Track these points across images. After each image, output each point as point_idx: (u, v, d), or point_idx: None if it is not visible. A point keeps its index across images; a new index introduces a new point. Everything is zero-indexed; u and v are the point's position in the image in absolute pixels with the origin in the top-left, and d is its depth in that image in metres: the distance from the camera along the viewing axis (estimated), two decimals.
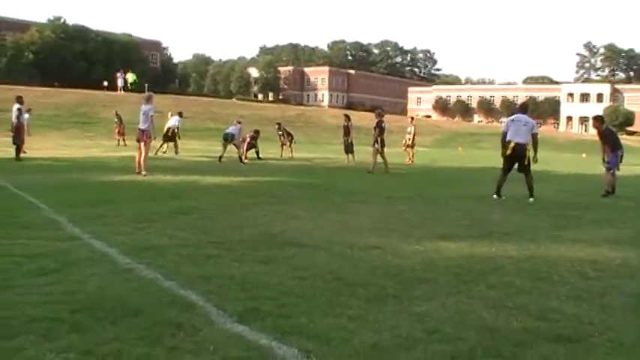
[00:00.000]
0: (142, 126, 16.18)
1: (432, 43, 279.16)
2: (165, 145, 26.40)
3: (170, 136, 26.44)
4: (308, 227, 8.47)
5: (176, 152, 25.97)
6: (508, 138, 12.48)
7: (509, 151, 12.45)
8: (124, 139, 32.31)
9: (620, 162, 14.91)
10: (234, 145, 23.74)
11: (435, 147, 57.26)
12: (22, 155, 20.12)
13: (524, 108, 13.52)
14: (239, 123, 24.89)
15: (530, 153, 12.50)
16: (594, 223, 9.95)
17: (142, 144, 16.03)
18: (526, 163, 12.42)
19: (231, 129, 24.24)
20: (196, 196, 11.47)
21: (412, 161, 26.83)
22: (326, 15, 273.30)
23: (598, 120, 15.27)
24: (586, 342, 4.18)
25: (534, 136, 12.62)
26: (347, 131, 24.55)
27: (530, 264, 6.57)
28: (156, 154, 23.88)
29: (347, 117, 25.30)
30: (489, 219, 9.96)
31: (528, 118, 12.76)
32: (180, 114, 27.92)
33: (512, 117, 12.89)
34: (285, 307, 4.68)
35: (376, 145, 19.53)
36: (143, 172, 15.53)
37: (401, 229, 8.60)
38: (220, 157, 22.65)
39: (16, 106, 20.71)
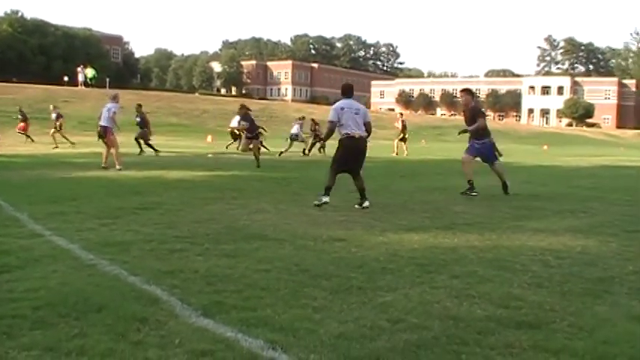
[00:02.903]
0: (102, 122, 16.13)
1: (395, 37, 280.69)
2: (234, 143, 27.53)
3: (237, 135, 27.07)
4: (272, 221, 8.47)
5: (238, 148, 26.25)
6: (345, 131, 10.11)
7: (350, 146, 10.17)
8: (27, 135, 31.67)
9: (496, 152, 12.68)
10: (302, 141, 26.75)
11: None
12: None
13: (348, 91, 10.52)
14: (301, 119, 27.87)
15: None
16: (556, 213, 10.10)
17: (106, 140, 16.03)
18: (362, 160, 10.53)
19: (294, 129, 27.23)
20: (160, 192, 11.39)
21: (406, 153, 29.02)
22: (289, 9, 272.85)
23: (467, 92, 13.05)
24: (547, 328, 4.25)
25: (367, 125, 10.36)
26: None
27: (492, 253, 6.66)
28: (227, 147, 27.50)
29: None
30: (452, 210, 10.06)
31: (358, 104, 10.56)
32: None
33: (341, 104, 10.25)
34: (250, 300, 4.68)
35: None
36: (117, 167, 15.55)
37: (365, 222, 8.65)
38: (281, 152, 25.37)
39: None
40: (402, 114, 33.15)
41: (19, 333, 3.88)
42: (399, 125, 30.10)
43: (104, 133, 16.07)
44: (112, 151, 15.96)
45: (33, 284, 4.94)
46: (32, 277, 5.17)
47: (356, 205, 10.12)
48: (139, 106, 24.48)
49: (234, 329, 4.04)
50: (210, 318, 4.26)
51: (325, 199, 9.99)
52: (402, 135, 29.93)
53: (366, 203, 10.12)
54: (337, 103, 10.42)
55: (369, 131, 10.44)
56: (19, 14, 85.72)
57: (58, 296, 4.61)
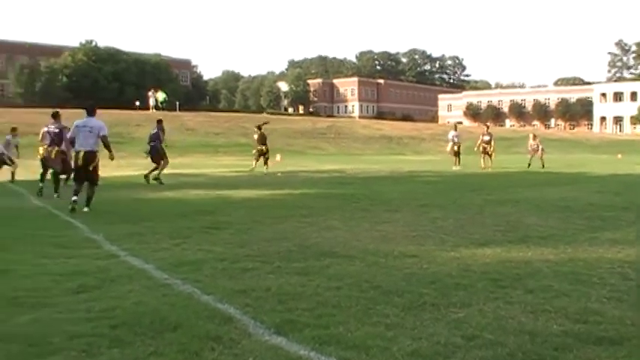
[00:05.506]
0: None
1: (460, 49, 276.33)
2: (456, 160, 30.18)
3: (457, 151, 30.62)
4: (342, 237, 8.47)
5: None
6: (75, 147, 11.89)
7: (80, 162, 11.75)
8: None
9: None
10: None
11: (467, 153, 56.84)
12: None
13: (88, 110, 12.26)
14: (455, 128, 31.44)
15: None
16: (632, 224, 9.81)
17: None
18: (91, 169, 11.81)
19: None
20: (230, 211, 11.53)
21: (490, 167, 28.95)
22: (353, 26, 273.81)
23: None
24: (629, 343, 4.12)
25: (103, 139, 11.91)
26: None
27: (568, 267, 6.50)
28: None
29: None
30: (524, 223, 9.87)
31: (95, 121, 12.00)
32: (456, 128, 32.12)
33: (77, 122, 12.04)
34: (322, 318, 4.68)
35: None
36: None
37: (436, 236, 8.57)
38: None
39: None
40: (488, 125, 32.56)
41: (97, 351, 3.99)
42: (489, 138, 30.07)
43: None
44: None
45: (110, 304, 5.07)
46: (109, 297, 5.30)
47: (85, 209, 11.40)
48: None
49: (307, 347, 4.04)
50: (283, 336, 4.28)
51: (74, 197, 11.51)
52: (490, 148, 29.99)
53: (85, 209, 11.42)
54: (76, 121, 12.19)
55: (105, 144, 12.02)
56: (93, 44, 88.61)
57: (134, 315, 4.72)
